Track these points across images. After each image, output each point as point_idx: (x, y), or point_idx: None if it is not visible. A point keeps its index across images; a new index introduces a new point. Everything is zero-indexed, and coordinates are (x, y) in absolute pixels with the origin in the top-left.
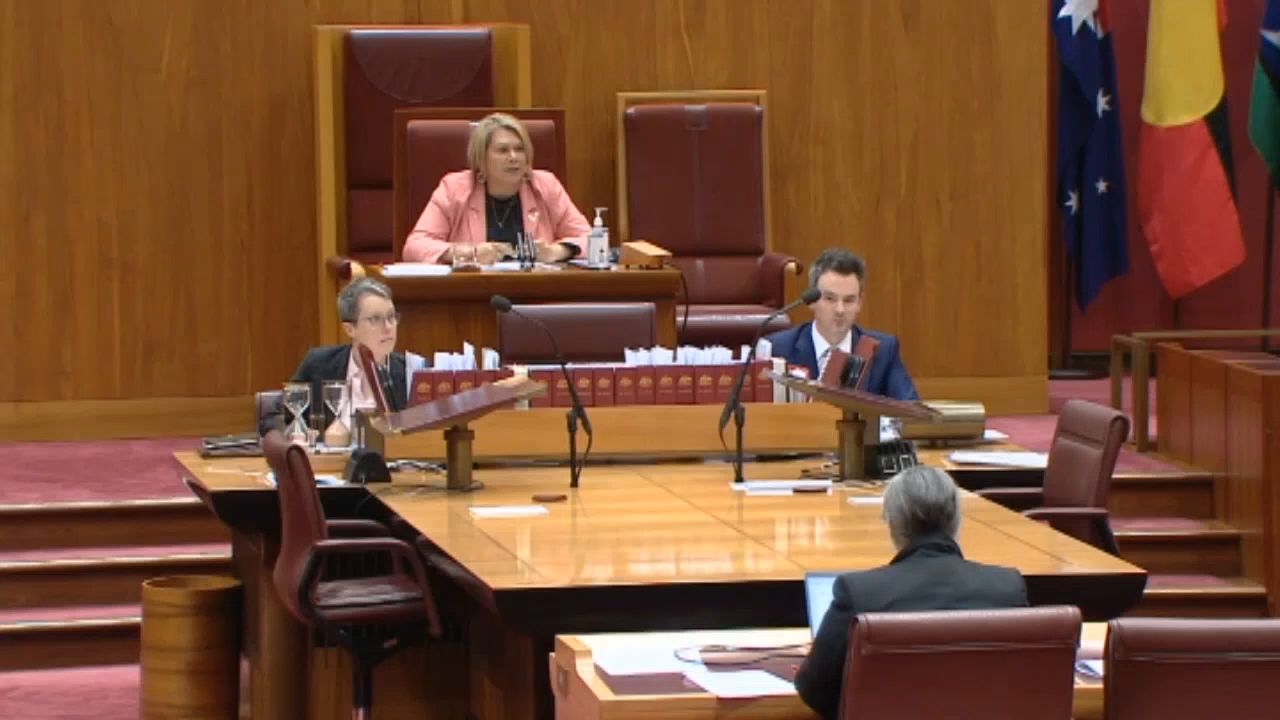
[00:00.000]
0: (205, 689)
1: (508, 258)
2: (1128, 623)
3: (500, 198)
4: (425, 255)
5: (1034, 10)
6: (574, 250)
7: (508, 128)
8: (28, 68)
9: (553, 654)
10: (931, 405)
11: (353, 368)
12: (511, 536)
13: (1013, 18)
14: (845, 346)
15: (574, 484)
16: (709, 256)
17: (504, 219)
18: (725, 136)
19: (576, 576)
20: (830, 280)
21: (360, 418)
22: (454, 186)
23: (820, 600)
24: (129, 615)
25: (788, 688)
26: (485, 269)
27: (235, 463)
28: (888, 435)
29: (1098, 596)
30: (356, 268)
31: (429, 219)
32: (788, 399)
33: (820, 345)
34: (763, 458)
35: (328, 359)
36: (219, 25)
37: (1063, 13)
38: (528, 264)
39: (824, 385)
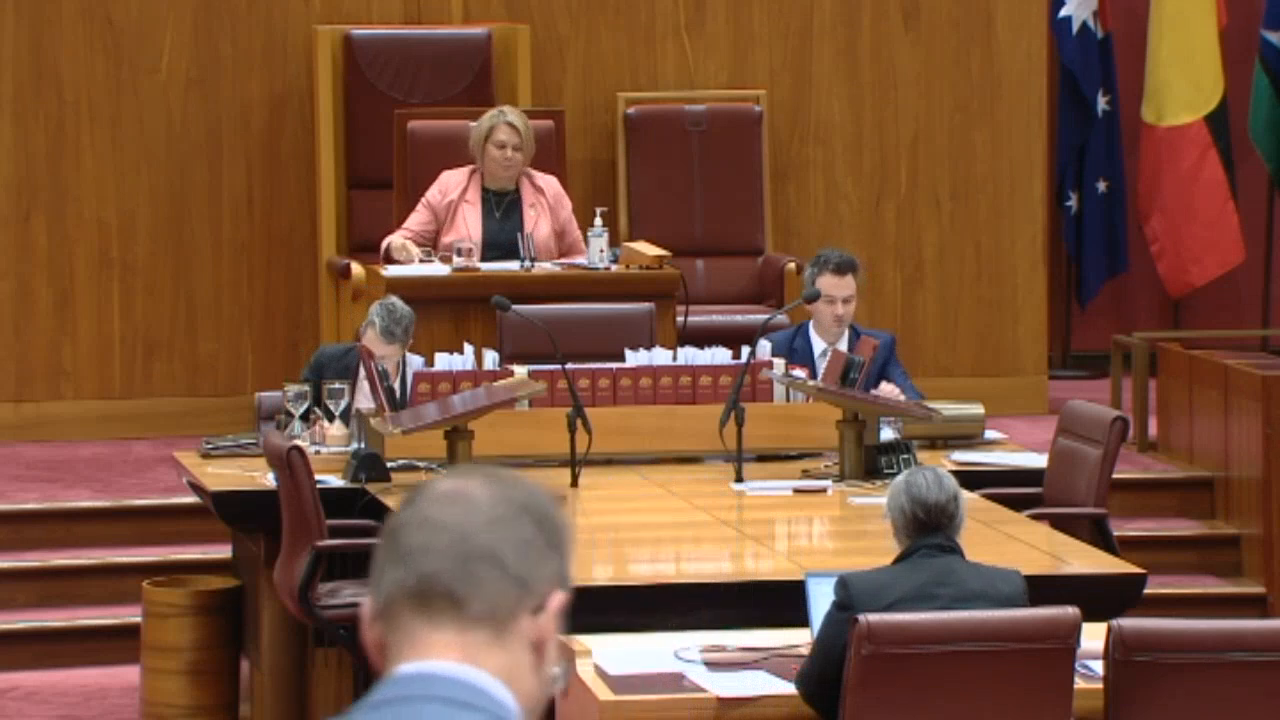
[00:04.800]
0: (205, 689)
1: (423, 259)
2: (1128, 623)
3: (497, 191)
4: (382, 248)
5: (1034, 10)
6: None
7: (510, 125)
8: (28, 68)
9: None
10: (931, 405)
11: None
12: None
13: (1013, 18)
14: (842, 345)
15: (574, 484)
16: (709, 256)
17: (501, 211)
18: (725, 136)
19: (576, 576)
20: (828, 283)
21: (360, 418)
22: (447, 183)
23: (820, 600)
24: (129, 615)
25: (788, 688)
26: (406, 271)
27: (235, 463)
28: (888, 435)
29: (1098, 596)
30: (356, 268)
31: (413, 217)
32: (788, 399)
33: (818, 345)
34: (763, 458)
35: (340, 357)
36: (219, 25)
37: (1063, 13)
38: (528, 264)
39: (824, 385)
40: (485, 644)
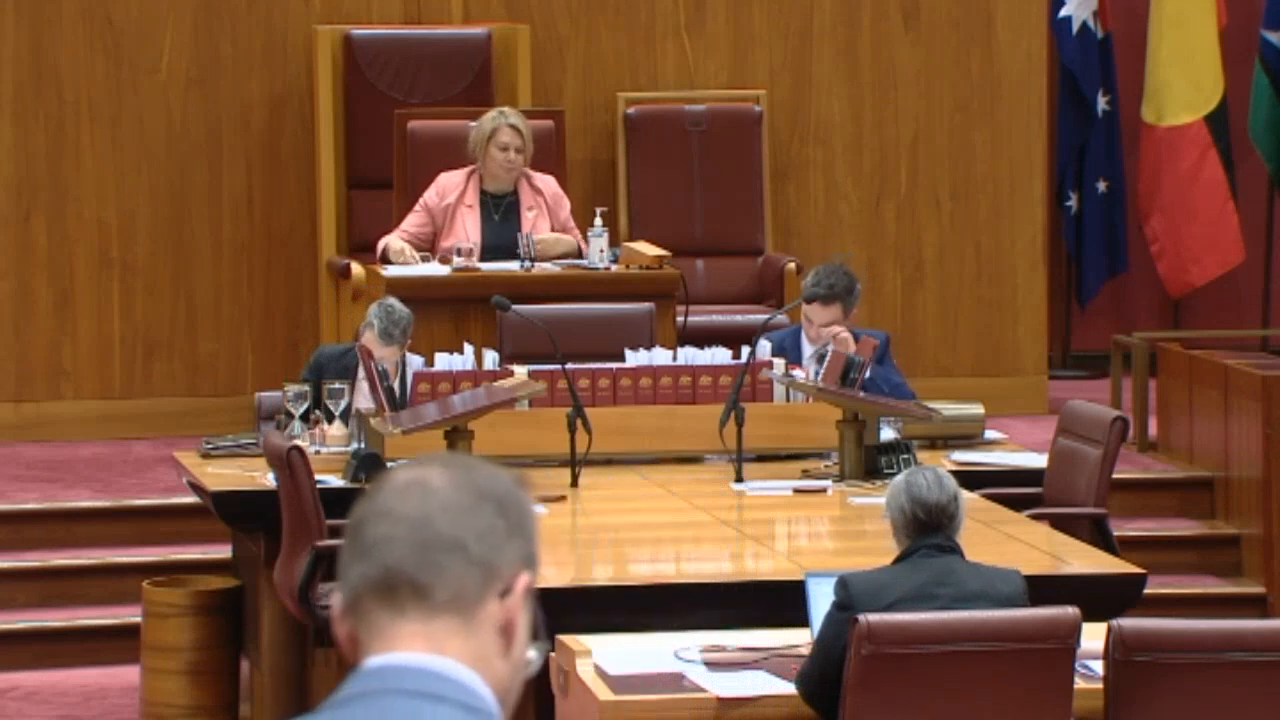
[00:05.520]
0: (205, 689)
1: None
2: (1128, 623)
3: (496, 193)
4: (379, 250)
5: (1034, 10)
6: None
7: (513, 127)
8: (28, 68)
9: (552, 654)
10: (931, 405)
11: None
12: None
13: (1013, 18)
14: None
15: (574, 484)
16: (709, 256)
17: (500, 214)
18: (725, 136)
19: (576, 576)
20: (811, 306)
21: (360, 418)
22: (445, 185)
23: (820, 600)
24: (129, 615)
25: (788, 688)
26: (406, 271)
27: (235, 463)
28: (888, 435)
29: (1098, 596)
30: (356, 268)
31: (410, 219)
32: (788, 399)
33: (808, 347)
34: (763, 458)
35: (339, 358)
36: (219, 25)
37: (1063, 13)
38: (528, 264)
39: (824, 385)
40: (452, 632)
